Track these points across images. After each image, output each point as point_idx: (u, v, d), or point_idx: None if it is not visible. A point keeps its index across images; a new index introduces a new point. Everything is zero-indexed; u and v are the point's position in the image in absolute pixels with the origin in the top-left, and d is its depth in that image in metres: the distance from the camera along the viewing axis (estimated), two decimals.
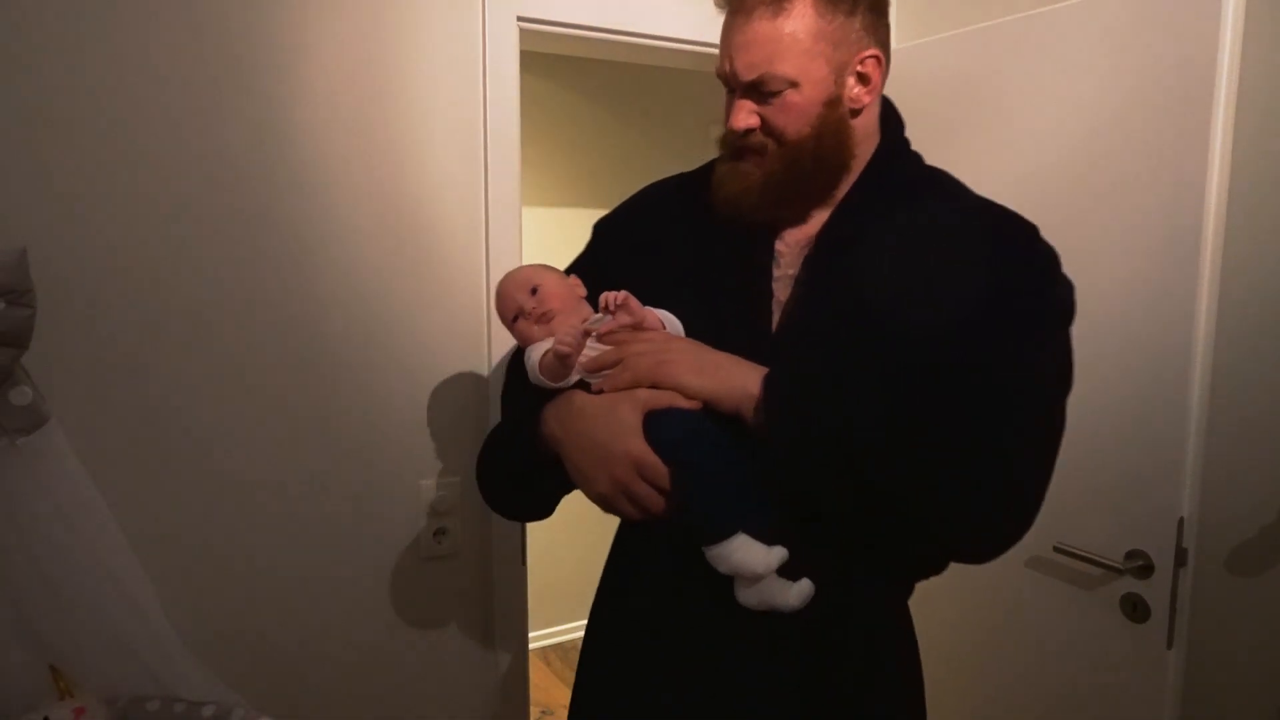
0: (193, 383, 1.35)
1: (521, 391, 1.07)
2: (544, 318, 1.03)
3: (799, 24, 0.95)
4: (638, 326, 1.00)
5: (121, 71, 1.25)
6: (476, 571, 1.64)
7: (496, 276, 1.58)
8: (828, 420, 0.90)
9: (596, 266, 1.15)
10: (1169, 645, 1.44)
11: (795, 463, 0.91)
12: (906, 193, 1.03)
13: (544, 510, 1.13)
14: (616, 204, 1.23)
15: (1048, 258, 0.99)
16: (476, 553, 1.63)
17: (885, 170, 1.04)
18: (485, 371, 1.60)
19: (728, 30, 0.99)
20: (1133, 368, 1.46)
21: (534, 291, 1.04)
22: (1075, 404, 1.53)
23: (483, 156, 1.56)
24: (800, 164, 0.99)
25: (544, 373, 0.99)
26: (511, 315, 1.07)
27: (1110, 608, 1.50)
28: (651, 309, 1.03)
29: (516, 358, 1.16)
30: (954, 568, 1.73)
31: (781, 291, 1.03)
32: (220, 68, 1.32)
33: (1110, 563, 1.48)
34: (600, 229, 1.23)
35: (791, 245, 1.04)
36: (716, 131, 1.10)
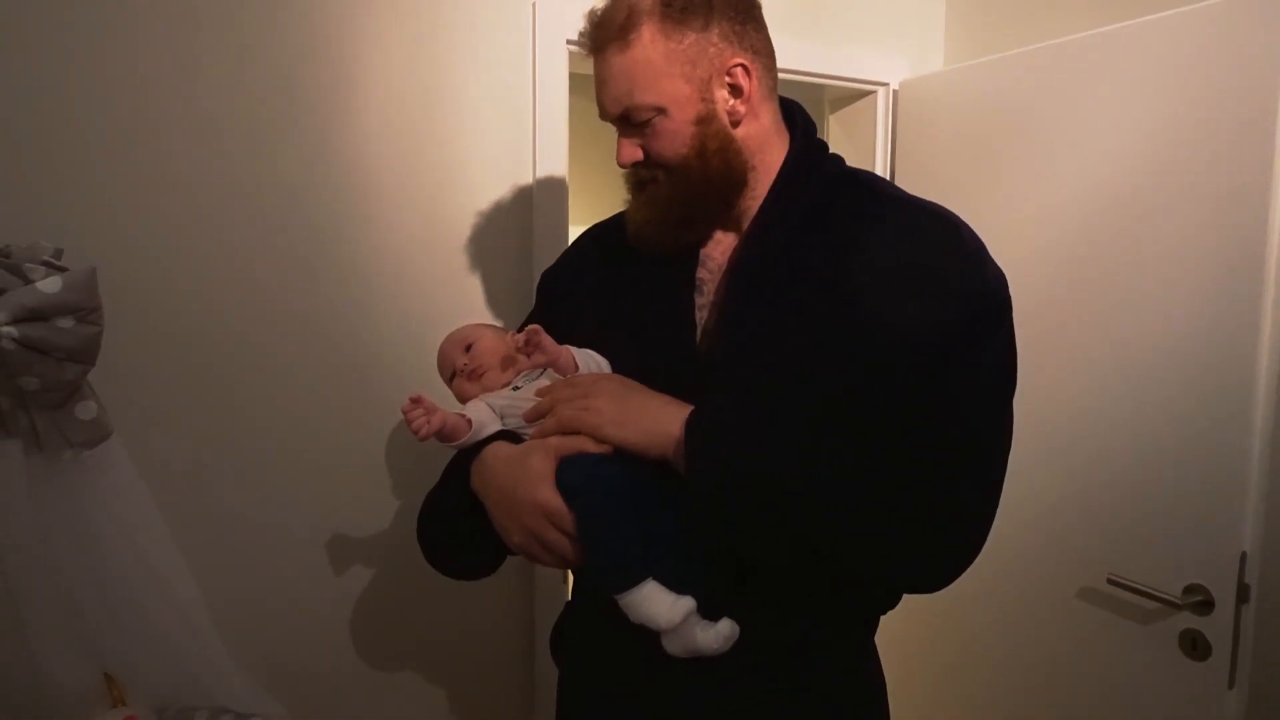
0: (245, 398, 1.38)
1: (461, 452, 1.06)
2: (474, 374, 1.05)
3: (648, 51, 0.94)
4: (553, 366, 1.01)
5: (182, 95, 1.29)
6: (519, 586, 1.64)
7: None
8: (749, 463, 0.87)
9: (541, 317, 1.16)
10: (1231, 685, 1.39)
11: (717, 507, 0.89)
12: (823, 199, 1.00)
13: (486, 567, 1.10)
14: None
15: (974, 251, 0.95)
16: (519, 567, 1.63)
17: (795, 177, 1.01)
18: None
19: (594, 71, 0.99)
20: (1193, 397, 1.43)
21: (468, 349, 1.06)
22: (1132, 433, 1.50)
23: (531, 177, 1.58)
24: (690, 186, 0.98)
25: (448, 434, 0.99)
26: (449, 374, 1.09)
27: (1168, 644, 1.46)
28: (570, 348, 1.03)
29: None
30: (996, 597, 1.70)
31: (707, 319, 1.01)
32: (275, 90, 1.35)
33: (1168, 597, 1.44)
34: (542, 280, 1.25)
35: (714, 270, 1.03)
36: None
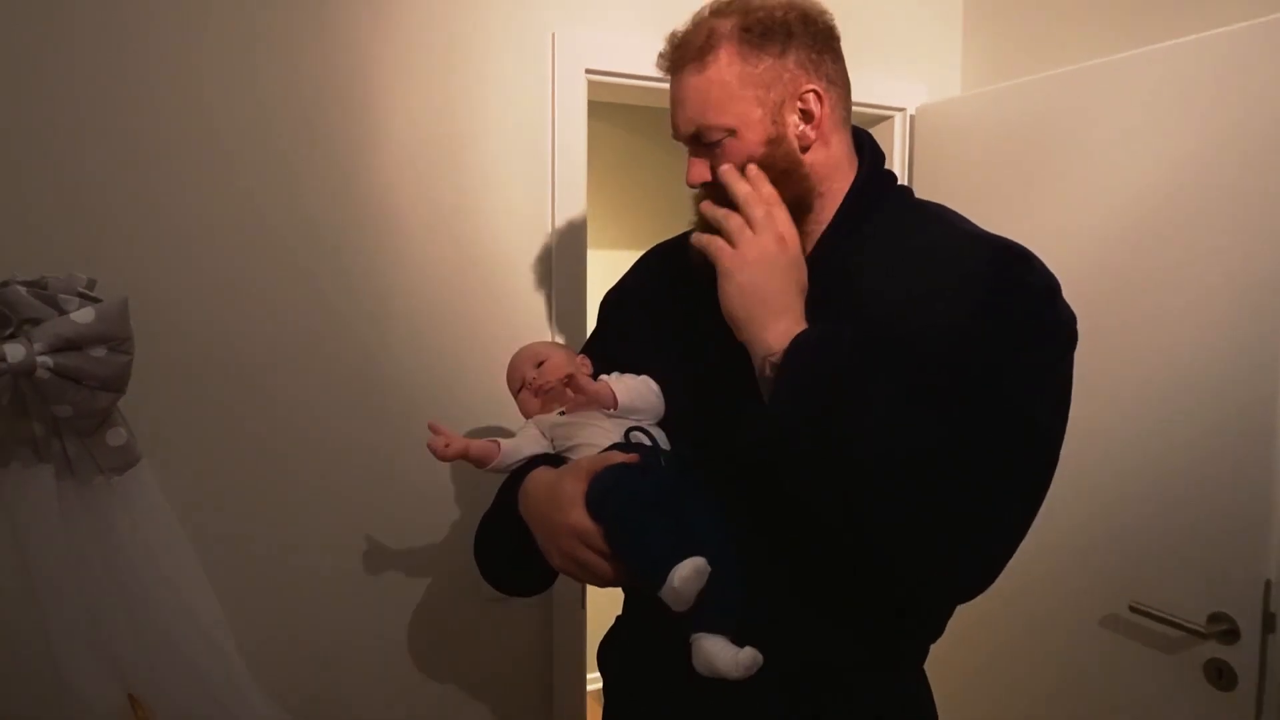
0: (268, 425, 1.40)
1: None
2: (540, 390, 1.08)
3: (724, 72, 0.95)
4: (593, 404, 1.02)
5: (203, 129, 1.32)
6: (537, 614, 1.65)
7: (561, 321, 1.62)
8: (839, 397, 0.86)
9: (602, 340, 1.20)
10: (1258, 716, 1.37)
11: (787, 434, 0.88)
12: (888, 229, 1.00)
13: (539, 585, 1.15)
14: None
15: (1047, 283, 0.95)
16: (537, 595, 1.64)
17: (860, 205, 1.02)
18: None
19: (670, 91, 1.01)
20: (1215, 422, 1.41)
21: (539, 365, 1.09)
22: (1154, 458, 1.49)
23: (550, 204, 1.60)
24: None
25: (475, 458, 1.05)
26: (517, 386, 1.12)
27: (1193, 674, 1.44)
28: (616, 380, 1.05)
29: None
30: (1017, 623, 1.68)
31: None
32: (297, 120, 1.39)
33: (1192, 625, 1.42)
34: (605, 302, 1.25)
35: None
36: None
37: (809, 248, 1.02)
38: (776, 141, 0.97)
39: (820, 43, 0.99)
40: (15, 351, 0.96)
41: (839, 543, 0.90)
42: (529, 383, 1.10)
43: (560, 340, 1.62)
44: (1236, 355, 1.38)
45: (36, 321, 0.99)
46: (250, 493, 1.40)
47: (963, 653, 1.80)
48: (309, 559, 1.45)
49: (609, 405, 1.03)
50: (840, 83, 1.02)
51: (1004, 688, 1.73)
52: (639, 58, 1.64)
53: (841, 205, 1.02)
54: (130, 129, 1.27)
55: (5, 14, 1.18)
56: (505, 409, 1.56)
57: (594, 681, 3.67)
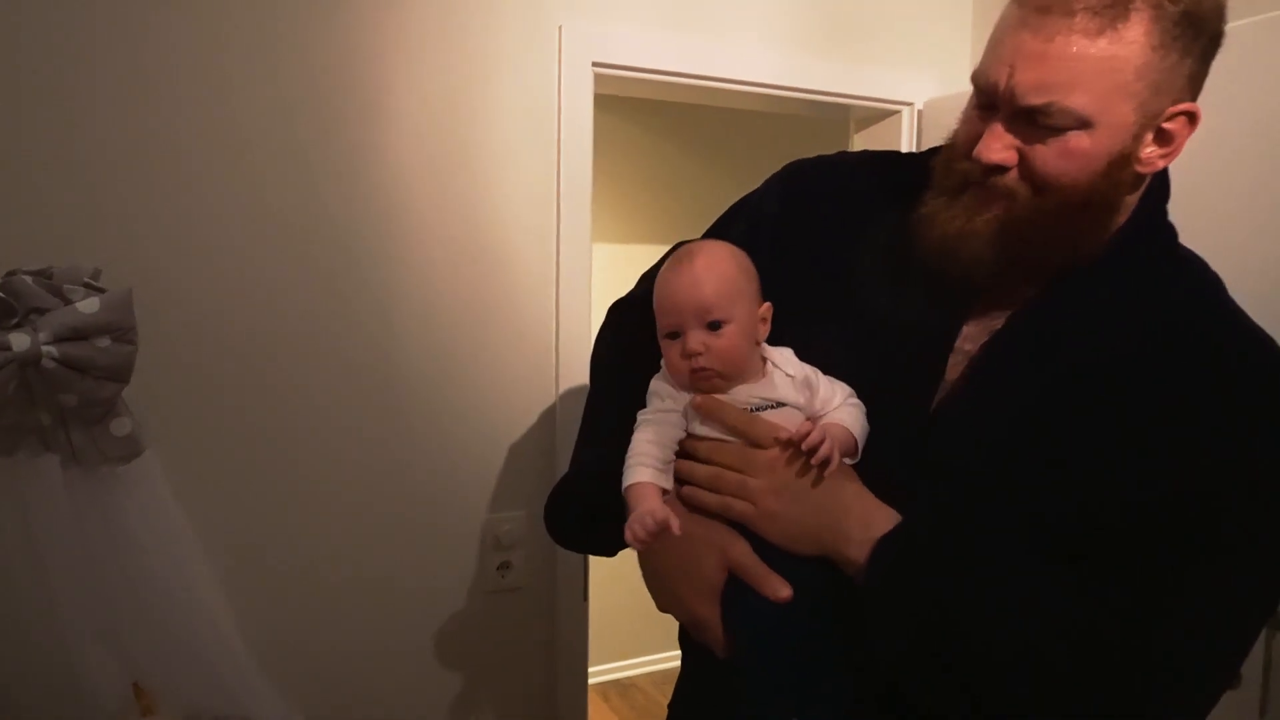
0: (273, 415, 1.41)
1: (620, 391, 0.92)
2: (700, 373, 0.83)
3: (1128, 50, 0.70)
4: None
5: (213, 119, 1.32)
6: (539, 606, 1.66)
7: (566, 314, 1.62)
8: (937, 613, 0.74)
9: (772, 224, 0.95)
10: (1262, 714, 1.36)
11: (892, 648, 0.77)
12: (1142, 286, 0.81)
13: (611, 549, 0.98)
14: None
15: None
16: (539, 587, 1.65)
17: (1127, 253, 0.81)
18: (553, 405, 1.62)
19: (1021, 30, 0.73)
20: None
21: (714, 327, 0.82)
22: None
23: (555, 197, 1.60)
24: (1053, 225, 0.77)
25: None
26: (669, 329, 0.84)
27: None
28: (825, 400, 0.84)
29: (627, 315, 1.01)
30: None
31: (954, 369, 0.84)
32: (306, 113, 1.39)
33: None
34: (794, 179, 0.99)
35: (984, 317, 0.84)
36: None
37: (1039, 288, 0.82)
38: (1123, 161, 0.75)
39: (1212, 52, 0.76)
40: (21, 340, 0.96)
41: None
42: (690, 351, 0.82)
43: (562, 331, 1.61)
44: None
45: (42, 311, 0.99)
46: (255, 483, 1.40)
47: None
48: (312, 549, 1.46)
49: (839, 459, 0.80)
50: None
51: None
52: (646, 51, 1.64)
53: (1109, 247, 0.81)
54: (137, 121, 1.27)
55: (15, 8, 1.18)
56: (512, 397, 1.58)
57: (595, 675, 3.68)
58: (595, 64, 1.60)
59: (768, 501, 0.80)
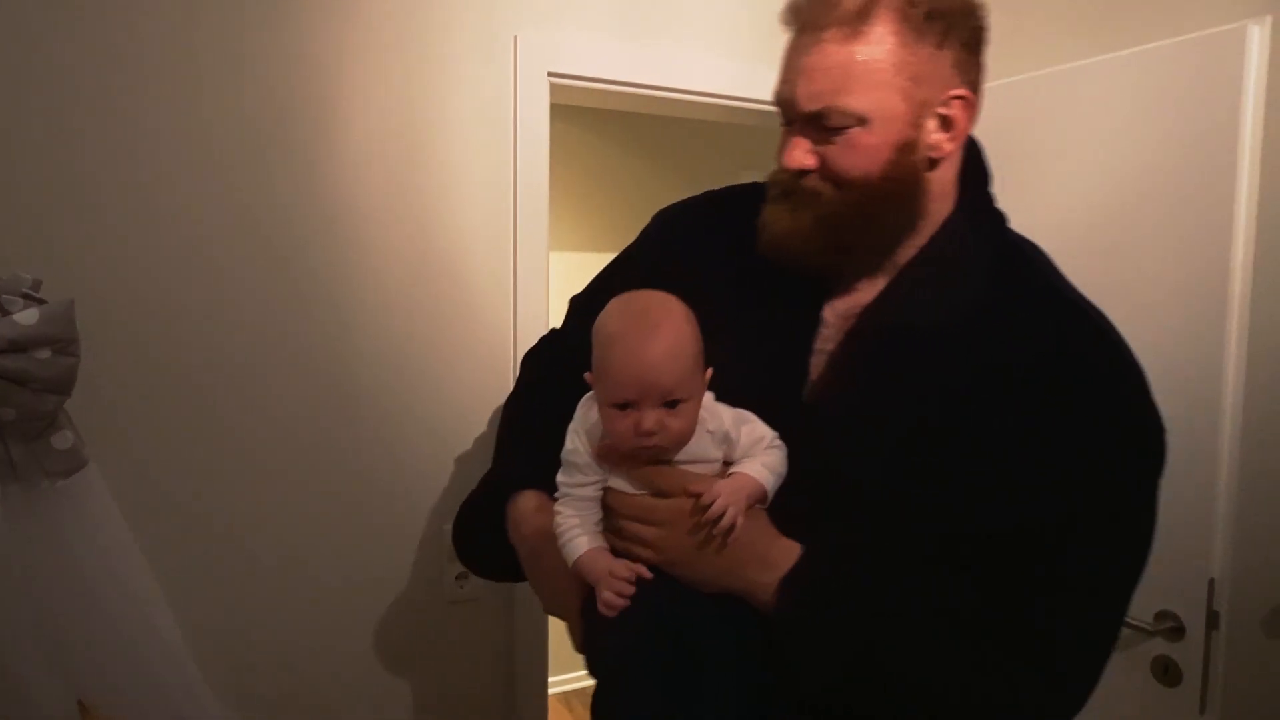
0: (224, 423, 1.38)
1: (530, 421, 1.01)
2: (646, 450, 0.84)
3: (878, 51, 0.80)
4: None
5: (168, 120, 1.30)
6: (498, 616, 1.65)
7: (524, 323, 1.62)
8: (851, 644, 0.81)
9: (647, 264, 1.03)
10: (1202, 710, 1.41)
11: (809, 677, 0.83)
12: (978, 270, 0.88)
13: (516, 576, 1.04)
14: None
15: (1138, 386, 0.84)
16: (498, 597, 1.64)
17: (957, 238, 0.89)
18: None
19: (793, 51, 0.85)
20: (1175, 421, 1.45)
21: (671, 405, 0.82)
22: None
23: (513, 207, 1.59)
24: (861, 214, 0.85)
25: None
26: (621, 400, 0.83)
27: (1140, 670, 1.47)
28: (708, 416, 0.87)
29: (545, 356, 1.16)
30: None
31: (816, 368, 0.91)
32: (263, 118, 1.37)
33: (1139, 624, 1.45)
34: (664, 222, 1.10)
35: (842, 314, 0.92)
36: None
37: (887, 272, 0.90)
38: (907, 148, 0.83)
39: (974, 42, 0.86)
40: None
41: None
42: (644, 430, 0.82)
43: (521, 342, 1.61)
44: (1179, 358, 1.42)
45: None
46: (204, 494, 1.37)
47: None
48: (265, 561, 1.43)
49: (742, 521, 0.83)
50: (979, 90, 0.88)
51: None
52: (602, 61, 1.65)
53: (936, 235, 0.89)
54: (78, 127, 1.25)
55: None
56: (470, 403, 1.57)
57: (559, 685, 3.65)
58: (551, 74, 1.60)
59: (671, 551, 0.84)
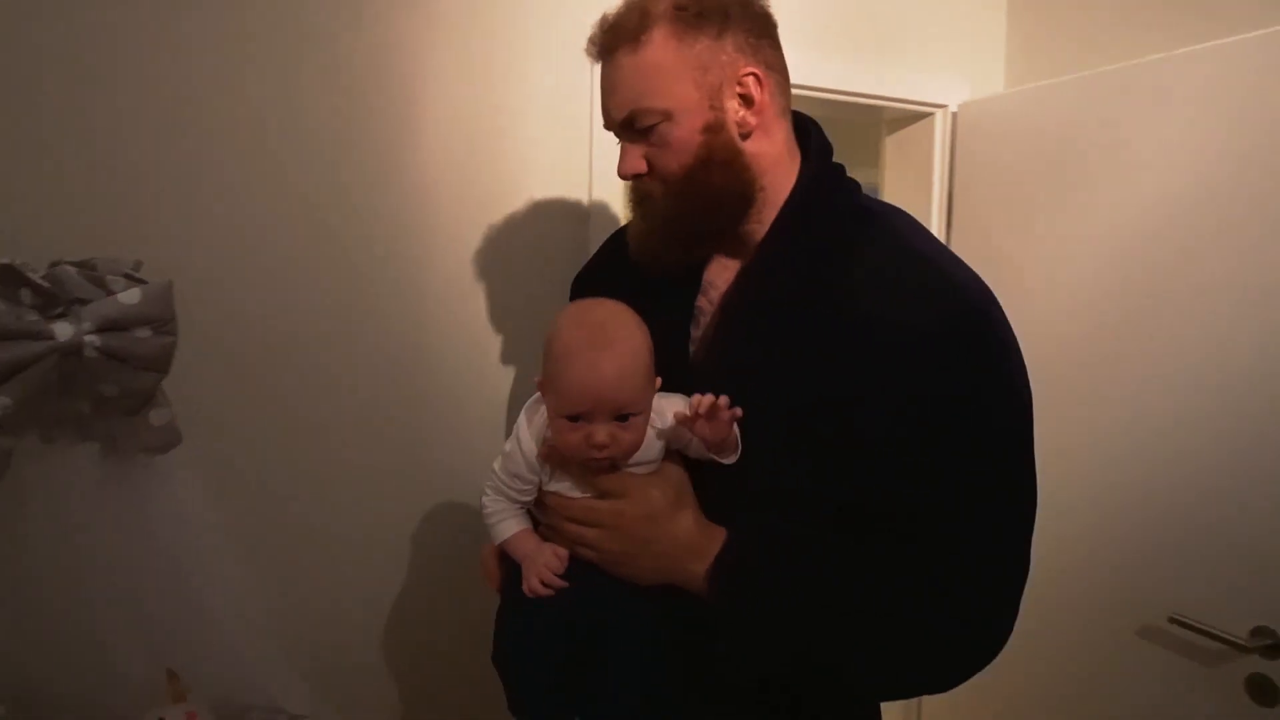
0: (305, 408, 1.42)
1: None
2: (597, 461, 0.87)
3: (659, 53, 0.91)
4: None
5: (246, 119, 1.34)
6: None
7: None
8: (779, 619, 0.88)
9: None
10: None
11: (741, 651, 0.91)
12: (832, 235, 0.95)
13: None
14: None
15: (1002, 343, 0.89)
16: None
17: (805, 206, 0.96)
18: None
19: (601, 77, 0.97)
20: (1257, 430, 1.38)
21: (622, 418, 0.84)
22: (1194, 467, 1.46)
23: (587, 192, 1.60)
24: (694, 200, 0.94)
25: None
26: (573, 413, 0.84)
27: (1234, 688, 1.40)
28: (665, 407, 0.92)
29: None
30: (1052, 635, 1.64)
31: (697, 353, 0.99)
32: (338, 109, 1.40)
33: (1234, 639, 1.38)
34: (576, 285, 1.24)
35: (714, 300, 1.01)
36: None
37: (748, 256, 0.98)
38: (715, 128, 0.92)
39: (758, 29, 0.95)
40: (64, 330, 0.98)
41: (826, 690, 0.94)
42: (597, 443, 0.83)
43: None
44: (1256, 364, 1.36)
45: (84, 302, 1.01)
46: (287, 473, 1.41)
47: (999, 666, 1.77)
48: (341, 543, 1.46)
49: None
50: (780, 70, 0.98)
51: (1040, 703, 1.70)
52: None
53: (784, 207, 0.97)
54: (176, 117, 1.29)
55: (57, 10, 1.21)
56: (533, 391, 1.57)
57: None
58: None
59: (611, 551, 0.91)
